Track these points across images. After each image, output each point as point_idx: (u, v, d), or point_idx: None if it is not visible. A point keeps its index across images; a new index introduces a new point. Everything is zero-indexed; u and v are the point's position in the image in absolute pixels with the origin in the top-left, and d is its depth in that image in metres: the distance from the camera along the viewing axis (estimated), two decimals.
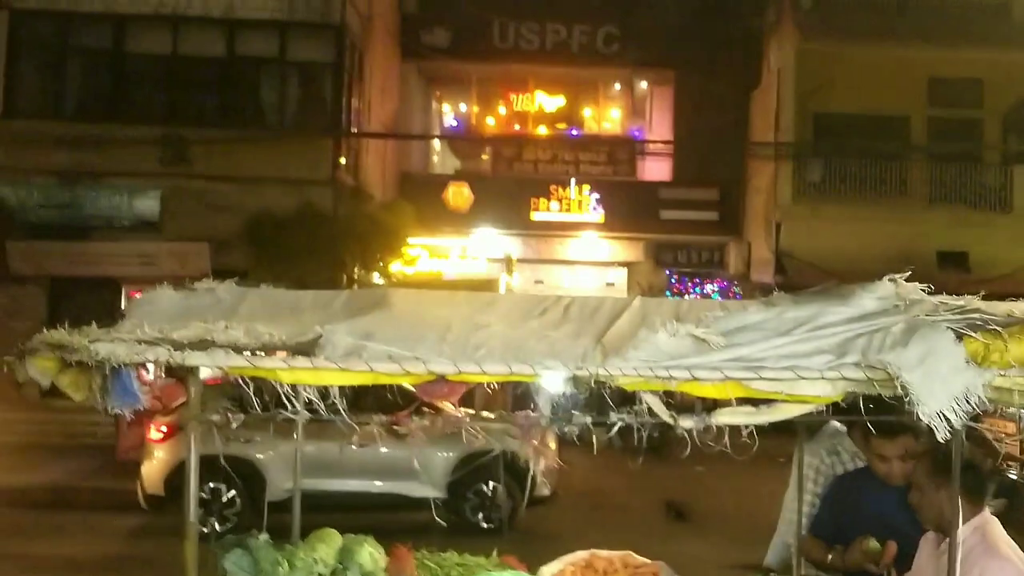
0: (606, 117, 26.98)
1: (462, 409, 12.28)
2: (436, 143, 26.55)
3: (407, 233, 19.34)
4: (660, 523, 11.72)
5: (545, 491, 11.58)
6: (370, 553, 4.25)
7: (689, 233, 24.01)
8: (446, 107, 27.31)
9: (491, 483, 11.47)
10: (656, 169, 25.48)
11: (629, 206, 23.56)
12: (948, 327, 2.93)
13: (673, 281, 24.25)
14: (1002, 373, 2.89)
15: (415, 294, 3.95)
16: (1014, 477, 11.22)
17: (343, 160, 19.00)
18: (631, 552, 4.64)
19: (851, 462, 4.67)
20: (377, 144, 21.95)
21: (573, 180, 23.85)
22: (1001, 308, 3.09)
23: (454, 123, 27.40)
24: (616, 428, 3.25)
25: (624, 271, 24.72)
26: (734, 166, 23.12)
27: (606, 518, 11.60)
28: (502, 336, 3.13)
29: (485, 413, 11.94)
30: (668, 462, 13.34)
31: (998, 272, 17.33)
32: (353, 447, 10.90)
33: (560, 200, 23.74)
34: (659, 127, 25.84)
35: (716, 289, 24.03)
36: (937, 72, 20.34)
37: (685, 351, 3.01)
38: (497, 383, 3.23)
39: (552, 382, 3.08)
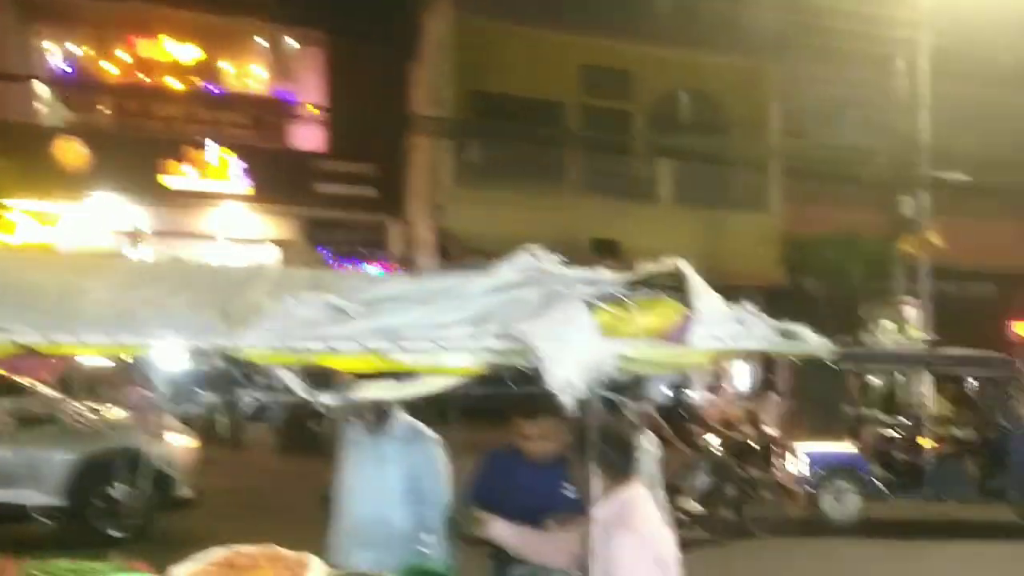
0: (250, 75, 24.84)
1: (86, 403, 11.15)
2: (42, 89, 22.65)
3: (4, 192, 16.96)
4: (315, 521, 11.42)
5: (187, 493, 10.61)
6: None
7: (347, 210, 22.87)
8: (53, 47, 23.53)
9: (121, 486, 10.11)
10: (310, 139, 23.98)
11: (280, 177, 22.01)
12: (581, 298, 2.98)
13: (330, 262, 22.86)
14: (631, 344, 2.97)
15: (8, 256, 3.47)
16: (720, 455, 12.03)
17: None
18: (274, 545, 4.38)
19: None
20: None
21: (210, 141, 21.67)
22: (633, 281, 3.21)
23: (64, 67, 23.57)
24: (262, 415, 3.05)
25: (276, 250, 22.72)
26: (394, 141, 22.36)
27: (258, 519, 10.72)
28: (107, 303, 2.77)
29: (110, 406, 10.88)
30: (324, 457, 12.98)
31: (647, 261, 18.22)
32: None
33: (196, 164, 21.51)
34: (312, 92, 24.14)
35: (377, 272, 23.53)
36: (589, 60, 20.96)
37: (321, 321, 2.82)
38: (115, 364, 2.89)
39: (167, 356, 2.76)
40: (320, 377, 3.07)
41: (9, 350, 2.56)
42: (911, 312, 18.30)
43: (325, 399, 3.05)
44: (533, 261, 3.21)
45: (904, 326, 17.66)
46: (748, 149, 21.57)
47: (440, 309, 2.94)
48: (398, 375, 3.13)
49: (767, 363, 15.01)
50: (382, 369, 2.93)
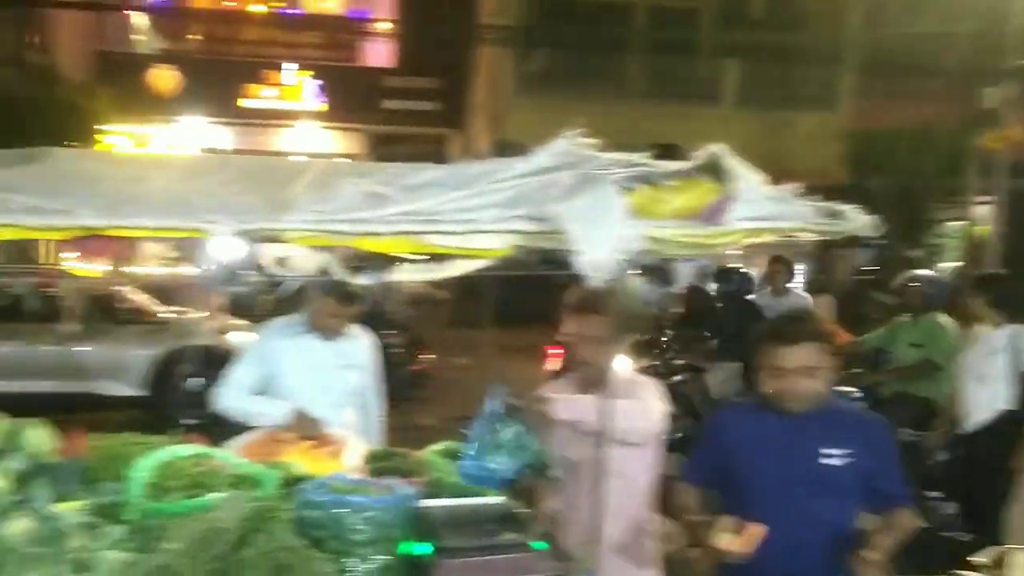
0: None
1: (168, 307, 12.18)
2: (139, 20, 24.32)
3: (104, 118, 17.86)
4: None
5: None
6: (37, 434, 3.96)
7: (411, 124, 23.25)
8: None
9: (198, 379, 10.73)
10: (381, 55, 24.48)
11: (350, 94, 22.64)
12: (614, 180, 2.99)
13: None
14: (662, 225, 2.98)
15: (77, 154, 3.66)
16: None
17: (31, 36, 17.26)
18: None
19: None
20: (73, 19, 19.94)
21: (288, 64, 22.70)
22: (671, 166, 3.20)
23: None
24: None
25: None
26: (460, 53, 22.20)
27: None
28: (163, 191, 2.93)
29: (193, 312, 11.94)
30: None
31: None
32: (44, 348, 10.93)
33: (274, 86, 22.49)
34: (384, 8, 24.56)
35: None
36: None
37: (360, 205, 2.90)
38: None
39: (219, 240, 2.81)
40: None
41: (75, 231, 2.71)
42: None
43: (361, 280, 3.14)
44: (569, 146, 3.22)
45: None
46: (822, 43, 20.69)
47: (474, 192, 2.99)
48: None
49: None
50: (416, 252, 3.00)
